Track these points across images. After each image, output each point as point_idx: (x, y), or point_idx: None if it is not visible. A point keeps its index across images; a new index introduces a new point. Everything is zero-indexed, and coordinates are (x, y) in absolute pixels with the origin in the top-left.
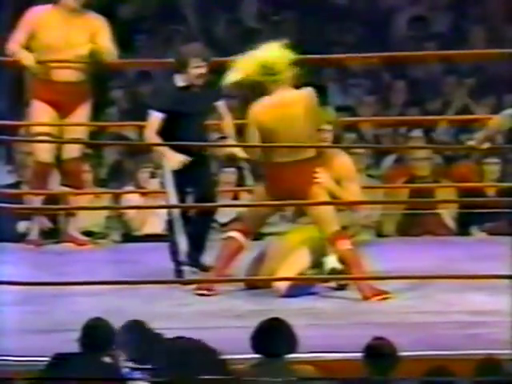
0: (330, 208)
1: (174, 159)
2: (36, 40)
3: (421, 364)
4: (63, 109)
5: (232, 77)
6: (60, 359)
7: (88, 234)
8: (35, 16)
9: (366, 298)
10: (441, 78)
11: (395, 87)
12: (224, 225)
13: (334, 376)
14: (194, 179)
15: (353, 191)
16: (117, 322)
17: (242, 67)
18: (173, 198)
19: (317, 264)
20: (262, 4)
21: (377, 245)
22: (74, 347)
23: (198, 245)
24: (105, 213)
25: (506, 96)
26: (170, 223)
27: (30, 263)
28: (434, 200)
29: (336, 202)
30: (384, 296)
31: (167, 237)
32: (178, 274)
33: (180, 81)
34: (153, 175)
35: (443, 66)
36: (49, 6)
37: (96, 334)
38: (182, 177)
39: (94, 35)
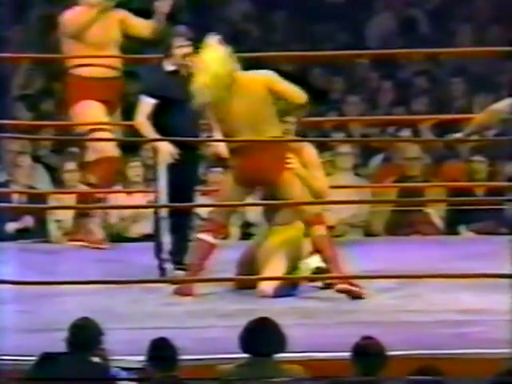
0: (305, 192)
1: (165, 150)
2: (80, 40)
3: (409, 363)
4: (112, 106)
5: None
6: (47, 359)
7: None
8: (74, 17)
9: (351, 294)
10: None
11: (382, 87)
12: None
13: (322, 375)
14: (184, 174)
15: (320, 178)
16: (105, 322)
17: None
18: (164, 195)
19: (294, 267)
20: (253, 3)
21: (365, 244)
22: (61, 347)
23: (180, 245)
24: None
25: (492, 94)
26: (157, 221)
27: (18, 262)
28: (422, 199)
29: (325, 201)
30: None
31: (153, 235)
32: (162, 272)
33: (168, 65)
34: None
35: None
36: (80, 7)
37: (83, 333)
38: (175, 172)
39: (125, 26)
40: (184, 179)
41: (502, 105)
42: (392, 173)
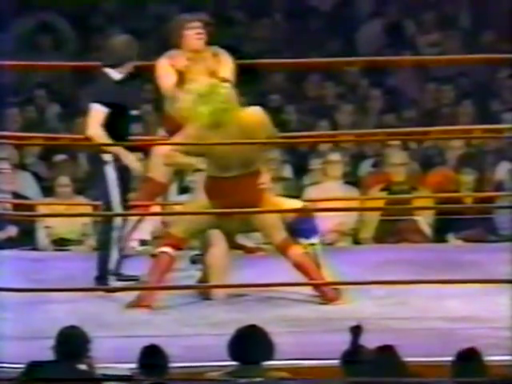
0: (277, 215)
1: (131, 158)
2: None
3: None
4: None
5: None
6: (35, 367)
7: (64, 240)
8: None
9: (332, 300)
10: (418, 86)
11: (372, 95)
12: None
13: (311, 383)
14: (127, 182)
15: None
16: (93, 330)
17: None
18: (117, 202)
19: None
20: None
21: (353, 252)
22: (49, 355)
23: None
24: (81, 220)
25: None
26: (107, 231)
27: (5, 270)
28: (410, 207)
29: (314, 209)
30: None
31: (102, 245)
32: (103, 282)
33: (114, 73)
34: None
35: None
36: None
37: (71, 341)
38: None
39: None
40: (127, 188)
41: None
42: (381, 179)
